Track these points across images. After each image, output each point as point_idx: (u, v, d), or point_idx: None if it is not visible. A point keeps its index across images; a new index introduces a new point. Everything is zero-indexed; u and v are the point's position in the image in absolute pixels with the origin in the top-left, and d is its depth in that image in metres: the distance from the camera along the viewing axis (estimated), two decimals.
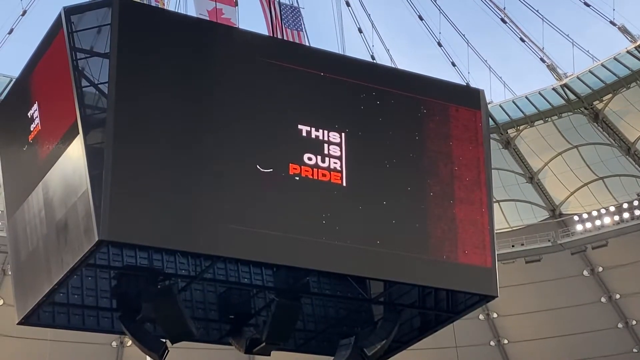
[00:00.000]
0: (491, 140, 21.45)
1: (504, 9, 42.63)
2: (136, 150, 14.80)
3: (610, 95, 42.74)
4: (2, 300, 40.73)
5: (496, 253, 17.78)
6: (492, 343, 45.89)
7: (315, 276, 17.67)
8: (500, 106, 44.04)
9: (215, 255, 15.46)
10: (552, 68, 42.95)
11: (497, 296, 17.68)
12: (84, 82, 15.38)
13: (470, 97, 18.16)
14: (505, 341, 45.89)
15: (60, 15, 15.57)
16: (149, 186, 14.78)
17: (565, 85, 42.77)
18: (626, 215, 42.25)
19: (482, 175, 17.72)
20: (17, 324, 17.27)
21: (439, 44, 43.47)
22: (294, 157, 15.88)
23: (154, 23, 15.76)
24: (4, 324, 39.45)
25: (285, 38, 19.43)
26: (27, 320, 16.99)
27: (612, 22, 41.28)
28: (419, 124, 17.33)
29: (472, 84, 32.77)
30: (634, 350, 43.90)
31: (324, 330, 19.27)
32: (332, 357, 18.31)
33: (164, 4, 33.68)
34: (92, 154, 14.71)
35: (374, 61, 40.72)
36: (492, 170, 18.45)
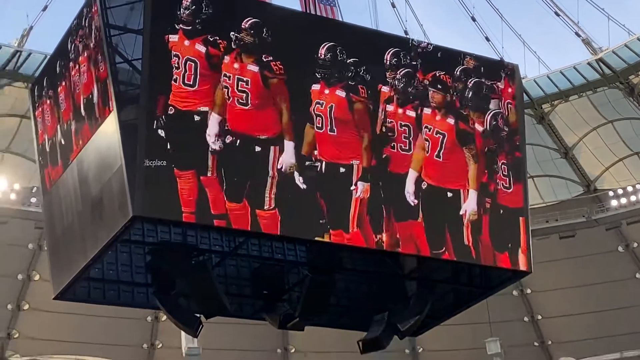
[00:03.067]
0: (525, 115, 21.31)
1: None
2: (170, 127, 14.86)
3: None
4: (38, 275, 41.13)
5: (530, 229, 17.72)
6: (525, 319, 45.83)
7: (349, 252, 17.65)
8: (535, 81, 43.71)
9: (249, 231, 15.48)
10: (587, 42, 42.55)
11: (531, 272, 17.64)
12: (118, 59, 15.43)
13: (505, 72, 18.06)
14: (539, 317, 45.80)
15: None
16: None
17: (601, 60, 42.37)
18: None
19: (516, 151, 17.67)
20: (53, 298, 17.42)
21: (473, 19, 43.18)
22: None
23: None
24: (40, 299, 39.89)
25: (318, 13, 19.29)
26: (63, 295, 17.13)
27: None
28: (453, 98, 17.26)
29: (506, 59, 32.60)
30: None
31: (357, 306, 19.27)
32: (366, 333, 18.33)
33: None
34: (126, 130, 14.76)
35: (408, 36, 40.53)
36: (526, 146, 18.38)
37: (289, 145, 15.56)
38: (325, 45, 16.20)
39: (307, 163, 15.74)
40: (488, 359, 41.68)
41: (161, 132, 14.75)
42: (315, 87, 16.08)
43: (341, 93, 16.21)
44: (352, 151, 16.14)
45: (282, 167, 15.42)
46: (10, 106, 39.23)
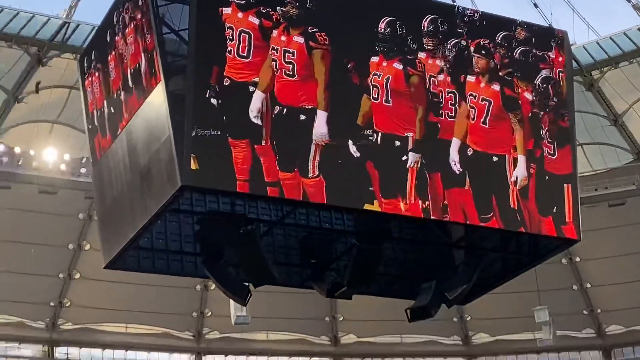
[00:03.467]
0: (574, 82, 21.14)
1: None
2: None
3: None
4: (89, 244, 41.57)
5: (579, 197, 17.63)
6: (574, 287, 45.59)
7: (396, 221, 17.65)
8: (584, 47, 43.19)
9: (297, 200, 15.55)
10: (637, 7, 41.94)
11: (580, 240, 17.56)
12: (164, 29, 15.52)
13: (554, 39, 17.92)
14: (588, 285, 45.54)
15: None
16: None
17: None
18: None
19: (565, 118, 17.58)
20: (104, 268, 17.64)
21: None
22: None
23: None
24: (91, 268, 40.37)
25: None
26: (113, 264, 17.34)
27: None
28: (497, 65, 17.19)
29: (555, 26, 32.29)
30: None
31: (405, 275, 19.30)
32: (413, 301, 18.36)
33: None
34: (174, 101, 14.88)
35: (456, 4, 40.29)
36: (575, 113, 18.23)
37: (321, 116, 15.60)
38: (385, 19, 16.28)
39: (362, 132, 15.83)
40: (537, 327, 41.54)
41: (214, 102, 14.88)
42: (374, 59, 16.20)
43: (398, 66, 16.34)
44: (406, 122, 16.24)
45: (315, 138, 15.47)
46: (60, 77, 39.56)
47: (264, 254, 16.97)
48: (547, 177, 17.25)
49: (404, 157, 16.12)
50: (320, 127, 15.54)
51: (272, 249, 18.21)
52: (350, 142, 15.74)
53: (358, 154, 15.75)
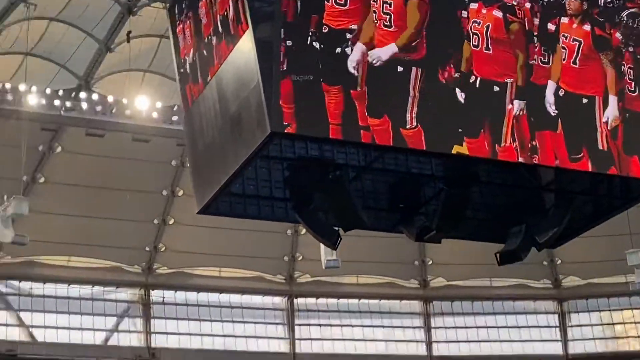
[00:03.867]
0: None
1: None
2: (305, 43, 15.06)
3: None
4: (182, 191, 42.24)
5: None
6: None
7: (486, 165, 17.64)
8: None
9: (385, 145, 15.64)
10: None
11: None
12: None
13: None
14: None
15: None
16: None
17: None
18: None
19: None
20: (197, 213, 17.99)
21: None
22: None
23: None
24: (184, 214, 41.09)
25: None
26: (206, 210, 17.66)
27: None
28: (592, 6, 16.98)
29: None
30: None
31: (495, 218, 19.29)
32: (503, 245, 18.37)
33: None
34: (262, 48, 15.04)
35: None
36: None
37: (391, 47, 15.57)
38: None
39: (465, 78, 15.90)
40: (629, 270, 41.00)
41: (316, 45, 15.04)
42: (473, 6, 16.17)
43: (498, 13, 16.28)
44: (507, 69, 16.23)
45: (372, 59, 15.43)
46: (150, 26, 39.93)
47: (353, 199, 17.11)
48: (627, 115, 17.03)
49: (510, 106, 16.12)
50: (382, 53, 15.55)
51: (360, 194, 18.32)
52: (457, 89, 15.80)
53: (464, 101, 15.80)
